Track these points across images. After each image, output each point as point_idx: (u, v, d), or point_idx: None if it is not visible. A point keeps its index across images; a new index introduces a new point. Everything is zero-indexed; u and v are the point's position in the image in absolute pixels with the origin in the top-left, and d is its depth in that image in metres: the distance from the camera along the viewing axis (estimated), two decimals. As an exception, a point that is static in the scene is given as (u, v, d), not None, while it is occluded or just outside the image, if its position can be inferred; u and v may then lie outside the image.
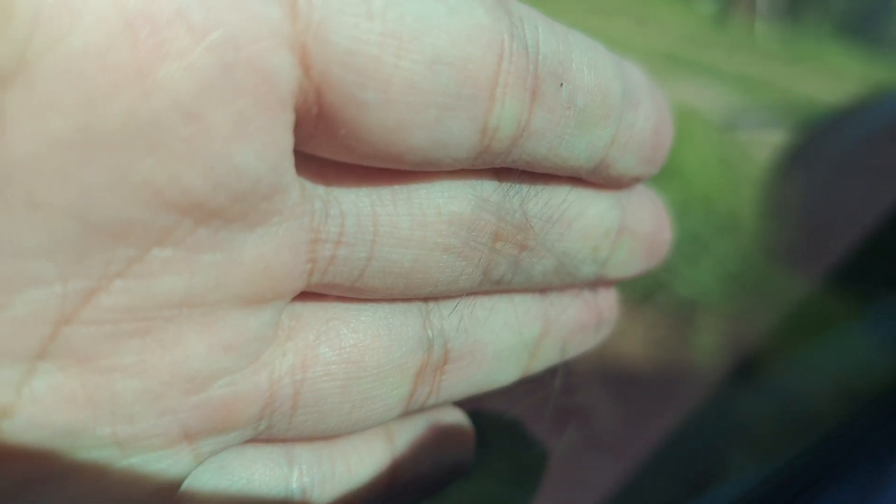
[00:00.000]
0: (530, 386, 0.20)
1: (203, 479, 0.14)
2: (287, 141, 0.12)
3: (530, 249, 0.16)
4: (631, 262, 0.18)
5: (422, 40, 0.12)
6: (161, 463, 0.13)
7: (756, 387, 0.36)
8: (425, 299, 0.16)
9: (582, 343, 0.19)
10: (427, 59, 0.12)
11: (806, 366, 0.36)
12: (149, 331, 0.12)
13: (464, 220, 0.15)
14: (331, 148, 0.13)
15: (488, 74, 0.12)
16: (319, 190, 0.13)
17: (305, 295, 0.14)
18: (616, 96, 0.15)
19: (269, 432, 0.15)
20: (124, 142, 0.10)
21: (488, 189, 0.15)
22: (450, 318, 0.16)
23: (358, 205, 0.14)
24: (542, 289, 0.18)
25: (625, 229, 0.17)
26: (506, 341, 0.17)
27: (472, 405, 0.21)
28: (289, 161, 0.12)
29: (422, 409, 0.17)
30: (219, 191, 0.11)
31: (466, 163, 0.14)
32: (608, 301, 0.20)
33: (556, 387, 0.20)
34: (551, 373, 0.20)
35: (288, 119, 0.12)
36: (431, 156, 0.13)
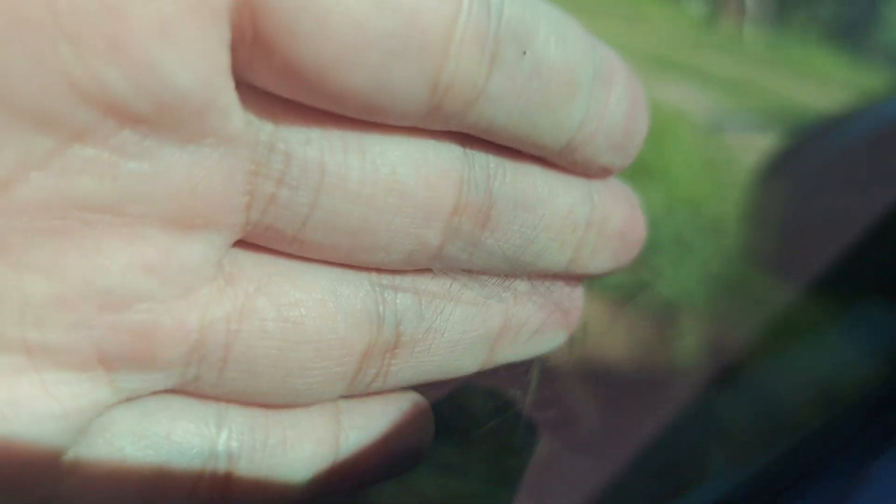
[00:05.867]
0: (510, 383, 0.20)
1: (121, 420, 0.14)
2: (223, 58, 0.11)
3: (491, 229, 0.15)
4: (599, 259, 0.17)
5: None
6: (75, 386, 0.13)
7: (736, 389, 0.37)
8: (378, 271, 0.15)
9: (544, 342, 0.18)
10: None
11: (786, 369, 0.36)
12: (65, 232, 0.12)
13: (420, 185, 0.14)
14: (268, 78, 0.12)
15: (441, 28, 0.12)
16: (267, 126, 0.13)
17: (249, 245, 0.14)
18: (586, 75, 0.14)
19: (196, 385, 0.14)
20: (44, 25, 0.10)
21: (451, 156, 0.14)
22: (405, 298, 0.15)
23: (306, 148, 0.13)
24: (504, 277, 0.17)
25: (593, 224, 0.16)
26: (463, 333, 0.16)
27: (452, 404, 0.21)
28: (225, 81, 0.12)
29: (367, 392, 0.16)
30: (142, 96, 0.11)
31: (417, 119, 0.13)
32: (574, 300, 0.18)
33: (533, 387, 0.20)
34: (527, 372, 0.19)
35: (223, 34, 0.11)
36: (375, 102, 0.12)
